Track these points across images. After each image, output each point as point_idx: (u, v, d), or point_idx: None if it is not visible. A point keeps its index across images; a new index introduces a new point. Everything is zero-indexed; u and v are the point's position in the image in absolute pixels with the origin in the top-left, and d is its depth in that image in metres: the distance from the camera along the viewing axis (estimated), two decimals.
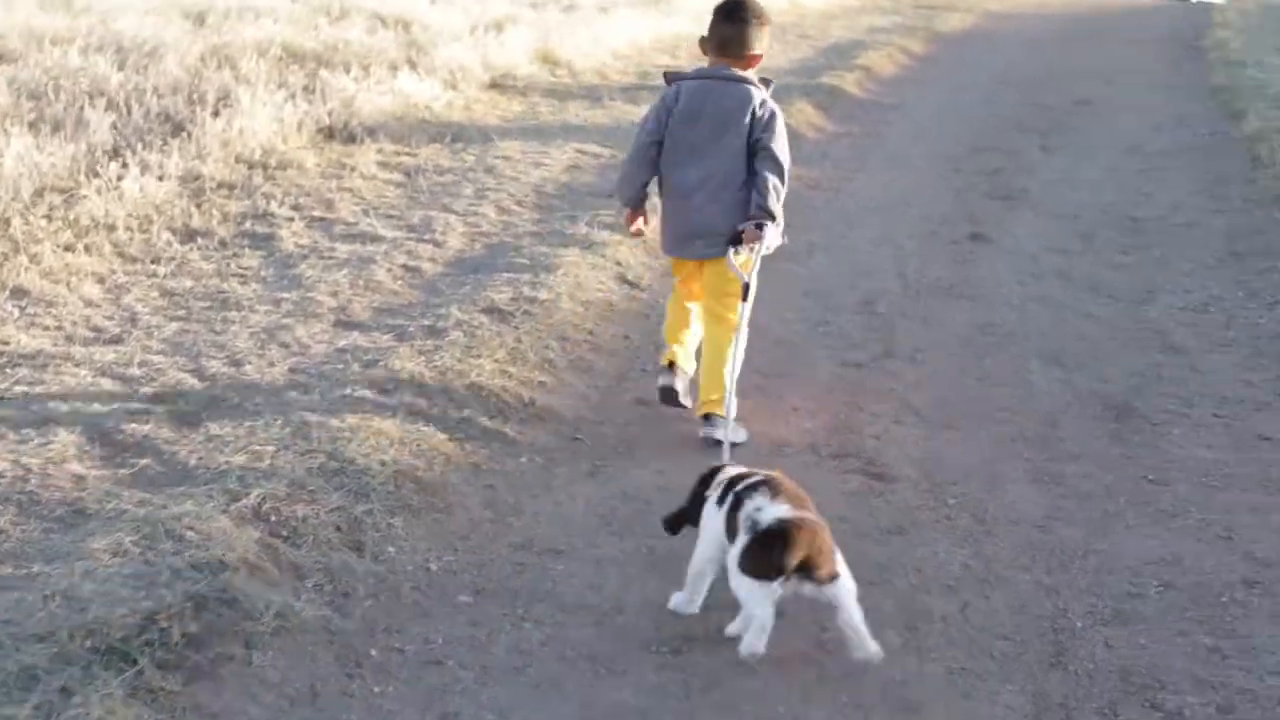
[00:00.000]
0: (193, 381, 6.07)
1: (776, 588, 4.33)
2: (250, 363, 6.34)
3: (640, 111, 13.07)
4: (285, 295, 7.33)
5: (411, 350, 6.55)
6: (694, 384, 6.38)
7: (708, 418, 6.19)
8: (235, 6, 15.66)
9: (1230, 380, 7.25)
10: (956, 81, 17.49)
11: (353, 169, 9.99)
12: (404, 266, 7.93)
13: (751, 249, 6.00)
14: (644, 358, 7.15)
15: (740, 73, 6.13)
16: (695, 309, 6.41)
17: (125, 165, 8.93)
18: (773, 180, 5.98)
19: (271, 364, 6.34)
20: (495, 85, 13.77)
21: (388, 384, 6.11)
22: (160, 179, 8.98)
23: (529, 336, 6.94)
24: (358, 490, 5.20)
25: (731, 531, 4.51)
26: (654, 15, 19.72)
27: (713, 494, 4.73)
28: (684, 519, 4.87)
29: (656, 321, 7.61)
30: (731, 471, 4.77)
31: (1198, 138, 13.97)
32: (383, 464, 5.40)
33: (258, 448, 5.37)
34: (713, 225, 6.08)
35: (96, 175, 8.73)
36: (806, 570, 4.30)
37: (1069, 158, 12.75)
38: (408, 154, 10.66)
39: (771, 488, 4.53)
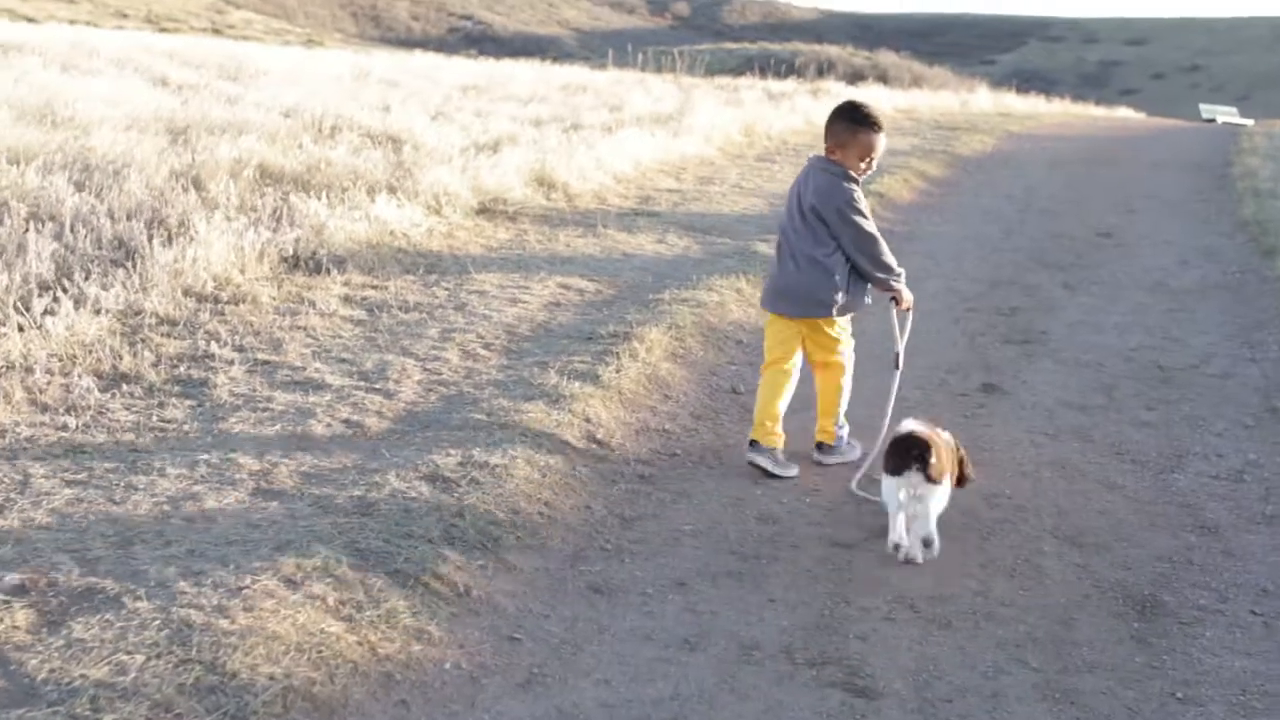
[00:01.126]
0: (70, 565, 5.21)
1: (902, 481, 6.11)
2: (143, 541, 5.49)
3: (635, 241, 12.46)
4: (205, 456, 6.49)
5: (333, 528, 5.70)
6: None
7: (820, 446, 7.57)
8: (223, 121, 15.05)
9: (1270, 567, 6.39)
10: (975, 209, 16.77)
11: (312, 304, 9.20)
12: (345, 422, 7.10)
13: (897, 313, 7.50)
14: (605, 532, 6.32)
15: (832, 162, 7.20)
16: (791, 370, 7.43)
17: (56, 299, 8.16)
18: (865, 267, 7.22)
19: (168, 543, 5.48)
20: (484, 210, 13.04)
21: (297, 573, 5.27)
22: (97, 313, 8.21)
23: (473, 510, 6.08)
24: (235, 713, 4.34)
25: None
26: (662, 135, 19.07)
27: None
28: None
29: (625, 488, 6.84)
30: None
31: (1228, 275, 13.18)
32: (271, 678, 4.55)
33: (124, 656, 4.53)
34: (801, 290, 7.21)
35: (25, 310, 7.95)
36: (922, 464, 6.06)
37: (1092, 296, 11.97)
38: (375, 287, 9.88)
39: (914, 420, 6.49)
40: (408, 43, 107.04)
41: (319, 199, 11.46)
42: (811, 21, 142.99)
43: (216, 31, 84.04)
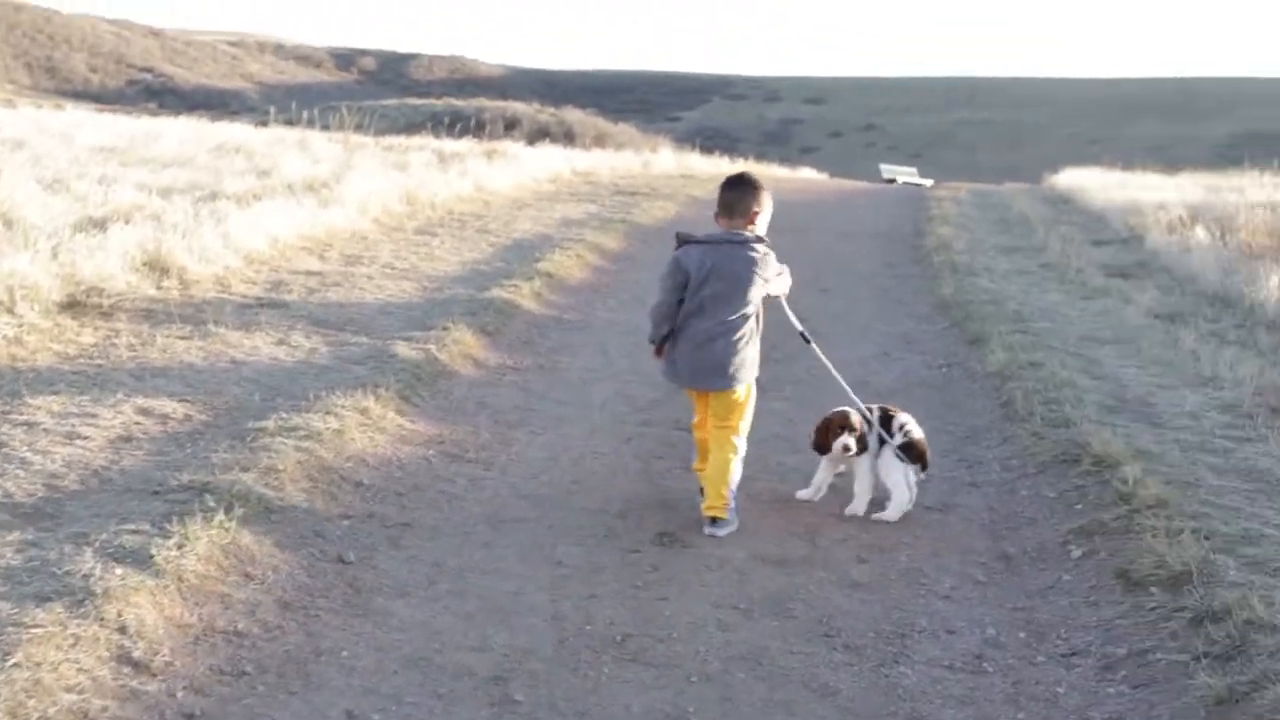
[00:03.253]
0: None
1: (911, 470, 7.88)
2: None
3: (251, 342, 10.39)
4: None
5: None
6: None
7: (714, 520, 7.43)
8: None
9: None
10: (653, 290, 15.16)
11: None
12: None
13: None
14: None
15: (745, 234, 7.44)
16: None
17: None
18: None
19: None
20: (73, 305, 10.78)
21: None
22: None
23: None
24: None
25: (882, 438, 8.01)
26: (309, 206, 17.01)
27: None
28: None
29: None
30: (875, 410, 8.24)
31: (932, 370, 11.81)
32: None
33: None
34: (722, 364, 7.45)
35: None
36: (922, 462, 8.02)
37: (786, 400, 10.40)
38: None
39: (910, 418, 8.22)
40: (85, 95, 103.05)
41: None
42: (498, 78, 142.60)
43: None
